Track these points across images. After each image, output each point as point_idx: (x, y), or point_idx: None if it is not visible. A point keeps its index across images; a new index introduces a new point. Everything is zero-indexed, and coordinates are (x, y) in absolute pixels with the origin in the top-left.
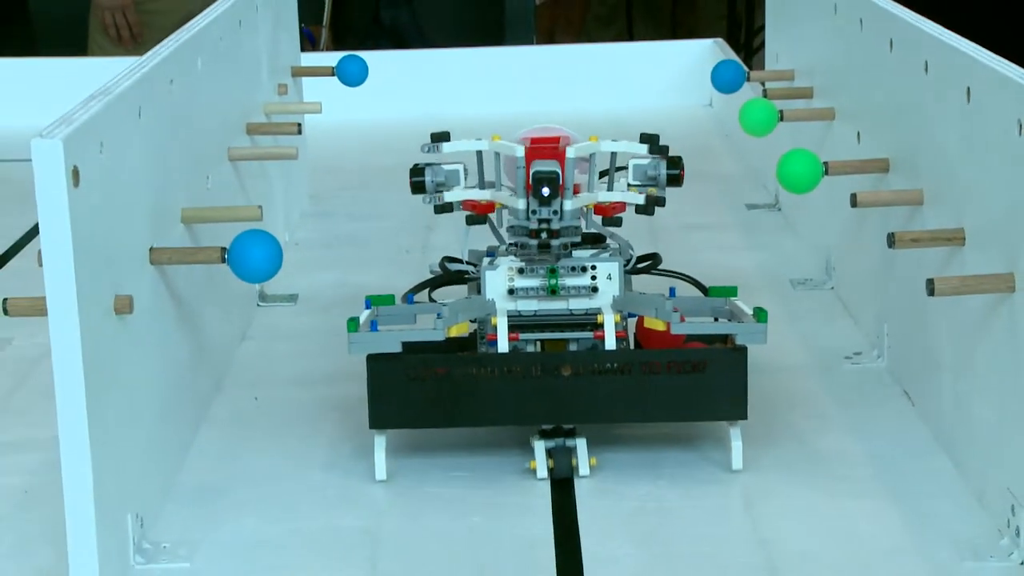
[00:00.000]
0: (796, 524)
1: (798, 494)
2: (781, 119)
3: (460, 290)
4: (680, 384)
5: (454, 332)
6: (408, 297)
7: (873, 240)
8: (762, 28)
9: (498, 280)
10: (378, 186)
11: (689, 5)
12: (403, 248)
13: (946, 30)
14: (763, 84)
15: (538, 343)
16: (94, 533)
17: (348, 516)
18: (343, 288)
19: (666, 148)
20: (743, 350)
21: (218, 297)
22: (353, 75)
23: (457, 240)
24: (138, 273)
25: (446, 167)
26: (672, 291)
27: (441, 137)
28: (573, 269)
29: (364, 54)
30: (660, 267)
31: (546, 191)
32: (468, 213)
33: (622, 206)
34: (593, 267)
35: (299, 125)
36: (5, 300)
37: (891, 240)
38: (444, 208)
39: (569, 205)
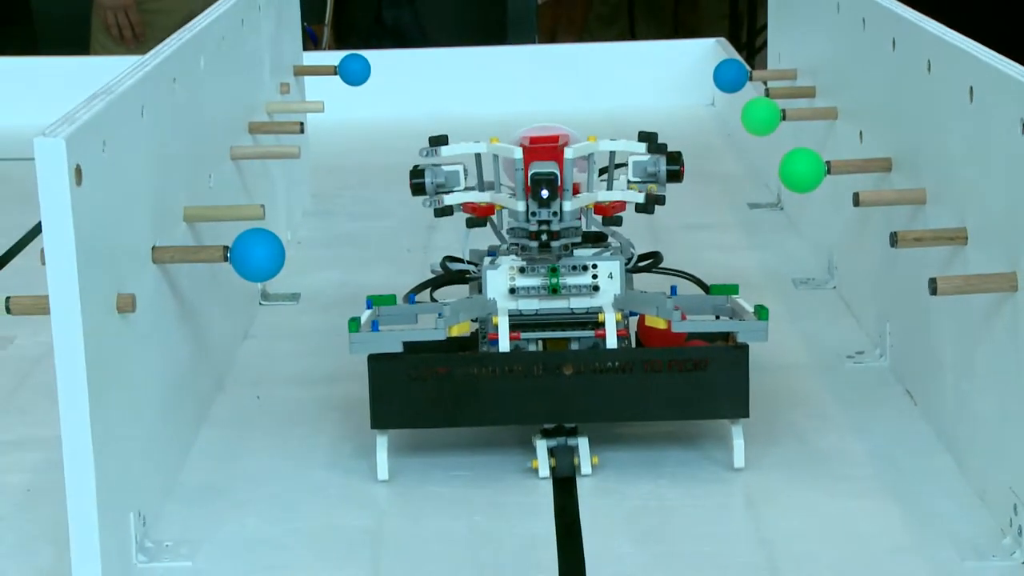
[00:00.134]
0: (798, 523)
1: (800, 493)
2: (783, 118)
3: (461, 290)
4: (682, 382)
5: (455, 332)
6: (409, 297)
7: (875, 239)
8: (764, 27)
9: (499, 279)
10: (380, 185)
11: (691, 4)
12: (404, 247)
13: (949, 29)
14: (765, 83)
15: (539, 342)
16: (96, 532)
17: (350, 515)
18: (345, 287)
19: (664, 146)
20: (744, 348)
21: (220, 296)
22: (355, 74)
23: (458, 240)
24: (140, 272)
25: (446, 168)
26: (673, 289)
27: (439, 141)
28: (574, 268)
29: (366, 53)
30: (661, 266)
31: (545, 193)
32: (468, 216)
33: (622, 205)
34: (594, 266)
35: (301, 124)
36: (8, 299)
37: (893, 239)
38: (444, 211)
39: (568, 206)
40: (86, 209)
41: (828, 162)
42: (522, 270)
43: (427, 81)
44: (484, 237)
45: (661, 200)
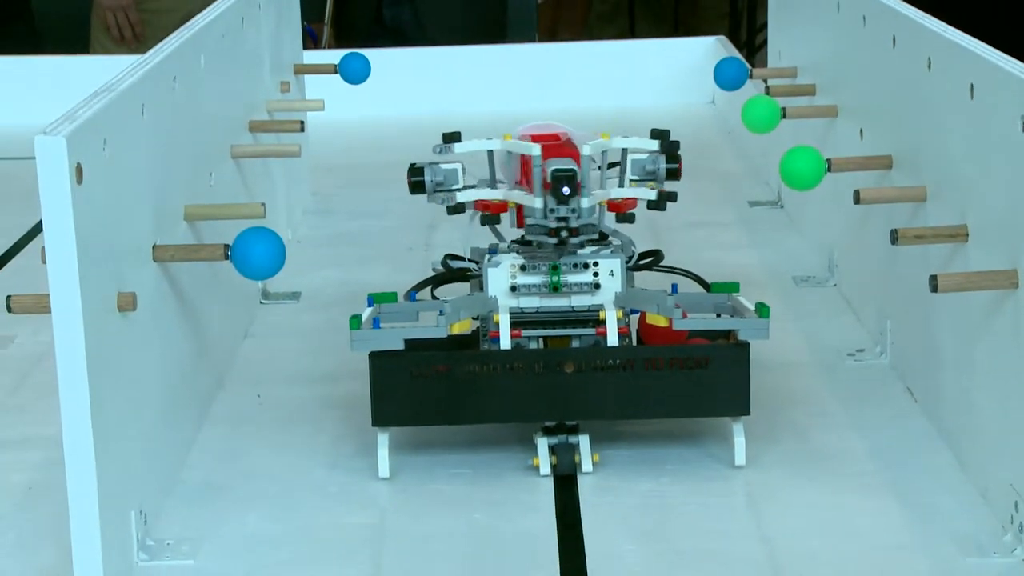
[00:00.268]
0: (799, 520)
1: (801, 490)
2: (784, 116)
3: (462, 287)
4: (683, 380)
5: (456, 329)
6: (410, 294)
7: (876, 237)
8: (764, 25)
9: (500, 277)
10: (380, 184)
11: (691, 3)
12: (405, 245)
13: (949, 26)
14: (765, 81)
15: (541, 340)
16: (98, 530)
17: (351, 513)
18: (345, 286)
19: (677, 144)
20: (745, 346)
21: (221, 294)
22: (355, 72)
23: (459, 237)
24: (141, 270)
25: (444, 166)
26: (674, 287)
27: (452, 138)
28: (575, 266)
29: (366, 52)
30: (662, 264)
31: (566, 190)
32: (482, 213)
33: (634, 202)
34: (595, 264)
35: (302, 122)
36: (9, 297)
37: (894, 237)
38: (457, 209)
39: (586, 203)
40: (87, 208)
41: (828, 160)
42: (523, 268)
43: (427, 80)
44: (485, 235)
45: (674, 197)
